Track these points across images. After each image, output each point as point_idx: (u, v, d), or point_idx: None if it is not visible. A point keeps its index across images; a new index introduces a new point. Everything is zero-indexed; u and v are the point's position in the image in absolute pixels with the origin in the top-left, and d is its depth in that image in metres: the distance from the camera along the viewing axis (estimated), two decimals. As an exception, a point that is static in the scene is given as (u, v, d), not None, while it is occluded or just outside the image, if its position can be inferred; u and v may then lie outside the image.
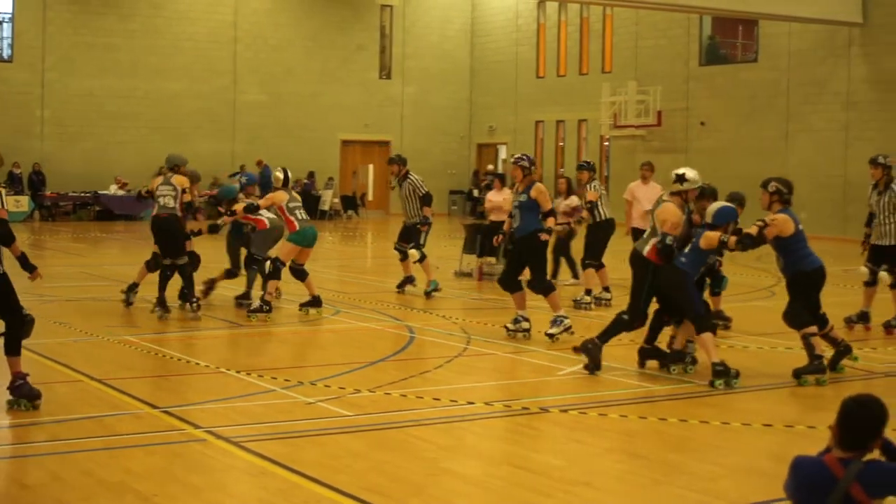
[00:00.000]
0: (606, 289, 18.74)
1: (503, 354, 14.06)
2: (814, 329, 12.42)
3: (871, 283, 16.28)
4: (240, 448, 9.16)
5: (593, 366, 12.60)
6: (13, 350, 10.27)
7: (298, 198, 17.43)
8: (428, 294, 19.15)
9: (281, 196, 17.04)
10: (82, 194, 42.27)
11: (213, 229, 17.41)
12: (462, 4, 51.08)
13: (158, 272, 16.58)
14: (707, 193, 13.03)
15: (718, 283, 14.72)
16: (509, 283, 15.21)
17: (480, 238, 22.21)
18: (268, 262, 16.88)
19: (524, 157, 15.29)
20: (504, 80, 49.48)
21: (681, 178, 12.64)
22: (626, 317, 12.70)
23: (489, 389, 12.01)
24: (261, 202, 17.30)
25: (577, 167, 19.42)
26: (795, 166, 37.57)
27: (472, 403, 11.01)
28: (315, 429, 9.89)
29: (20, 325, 10.25)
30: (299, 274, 17.13)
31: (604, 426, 10.29)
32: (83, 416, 10.24)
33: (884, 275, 16.07)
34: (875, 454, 5.34)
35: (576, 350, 13.04)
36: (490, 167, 45.13)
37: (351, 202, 47.38)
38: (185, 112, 45.05)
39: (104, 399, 11.01)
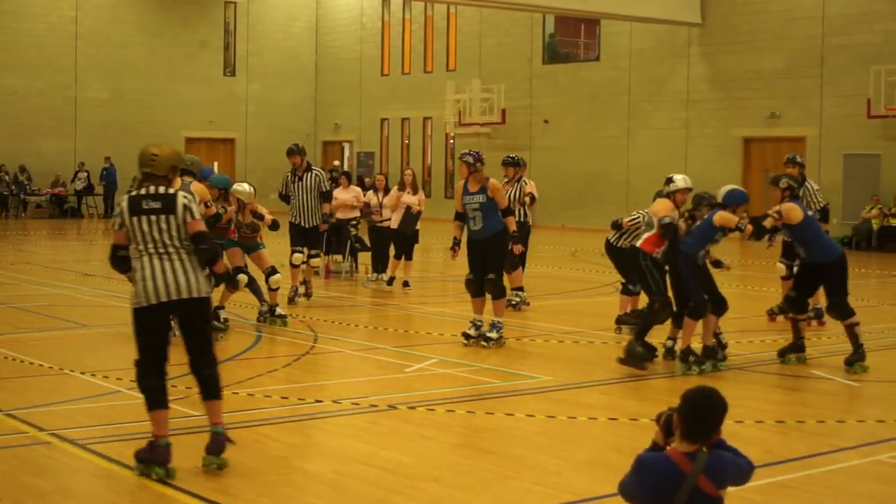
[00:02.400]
0: (520, 289, 18.07)
1: (350, 352, 14.09)
2: (856, 319, 12.94)
3: (788, 277, 16.84)
4: (86, 450, 9.06)
5: (641, 360, 12.70)
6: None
7: None
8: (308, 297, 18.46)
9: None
10: (-82, 193, 41.34)
11: (275, 226, 16.03)
12: (307, 2, 50.90)
13: None
14: (705, 202, 13.30)
15: (635, 283, 15.02)
16: (479, 286, 14.51)
17: (327, 235, 22.17)
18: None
19: (469, 153, 14.51)
20: (349, 77, 49.43)
21: (668, 180, 13.03)
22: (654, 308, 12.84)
23: (337, 387, 12.02)
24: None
25: (503, 162, 18.18)
26: (637, 164, 38.24)
27: (321, 402, 11.02)
28: (163, 429, 9.81)
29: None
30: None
31: (451, 422, 10.35)
32: (-77, 421, 10.03)
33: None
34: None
35: (623, 361, 12.76)
36: (336, 163, 45.11)
37: (195, 200, 46.81)
38: (25, 109, 44.22)
39: (-55, 402, 10.79)
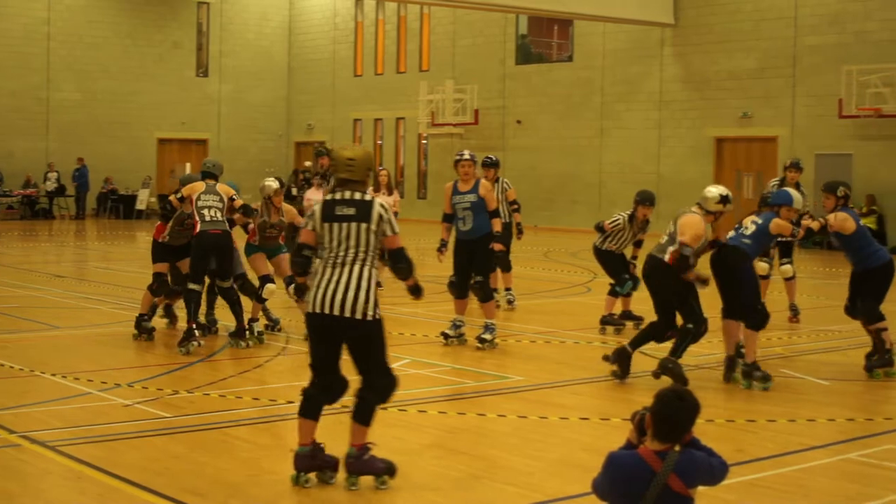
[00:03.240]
0: (508, 289, 18.14)
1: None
2: (885, 324, 12.90)
3: (766, 276, 17.04)
4: (56, 452, 9.01)
5: (681, 379, 11.77)
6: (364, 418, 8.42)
7: None
8: None
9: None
10: None
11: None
12: (280, 2, 50.81)
13: (184, 297, 14.20)
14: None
15: (622, 284, 15.20)
16: (462, 287, 14.38)
17: (293, 235, 22.11)
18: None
19: (472, 155, 14.51)
20: (322, 78, 49.40)
21: (725, 200, 12.10)
22: (690, 326, 12.03)
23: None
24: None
25: (483, 163, 17.45)
26: (610, 164, 38.30)
27: (292, 403, 10.97)
28: (133, 431, 9.78)
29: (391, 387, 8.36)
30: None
31: (423, 423, 10.35)
32: None
33: (787, 267, 17.02)
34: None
35: (657, 374, 12.01)
36: (307, 164, 45.04)
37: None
38: (-2, 110, 44.14)
39: (-86, 405, 10.73)
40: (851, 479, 8.69)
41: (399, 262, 8.40)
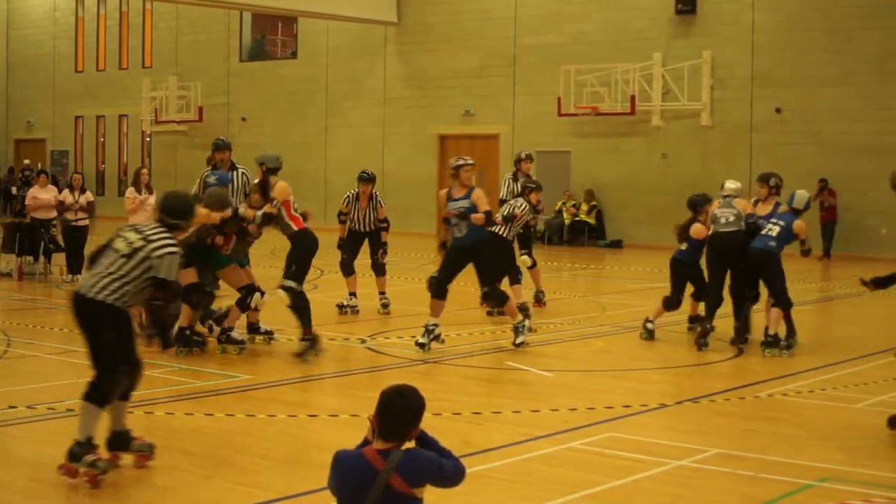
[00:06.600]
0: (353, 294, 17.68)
1: (46, 356, 13.76)
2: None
3: (534, 265, 18.10)
4: None
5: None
6: None
7: None
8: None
9: None
10: None
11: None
12: (-3, -5, 49.55)
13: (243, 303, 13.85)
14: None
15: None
16: (442, 289, 14.16)
17: (20, 236, 21.65)
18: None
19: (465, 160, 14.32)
20: (42, 74, 48.24)
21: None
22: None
23: (32, 392, 11.73)
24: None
25: (359, 178, 17.76)
26: (335, 160, 38.46)
27: (14, 407, 10.77)
28: None
29: None
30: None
31: (151, 424, 10.23)
32: None
33: (525, 258, 17.91)
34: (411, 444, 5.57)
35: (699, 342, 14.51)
36: (27, 161, 44.06)
37: None
38: None
39: None
40: (574, 467, 8.95)
41: None
